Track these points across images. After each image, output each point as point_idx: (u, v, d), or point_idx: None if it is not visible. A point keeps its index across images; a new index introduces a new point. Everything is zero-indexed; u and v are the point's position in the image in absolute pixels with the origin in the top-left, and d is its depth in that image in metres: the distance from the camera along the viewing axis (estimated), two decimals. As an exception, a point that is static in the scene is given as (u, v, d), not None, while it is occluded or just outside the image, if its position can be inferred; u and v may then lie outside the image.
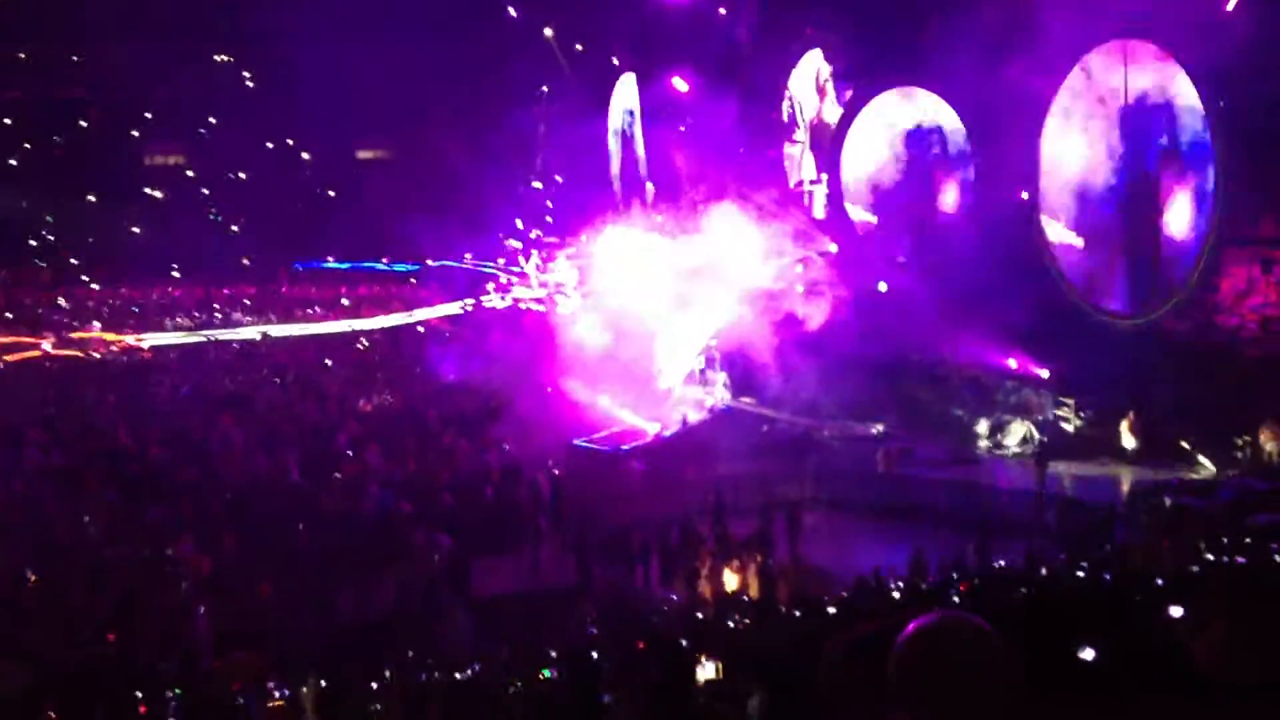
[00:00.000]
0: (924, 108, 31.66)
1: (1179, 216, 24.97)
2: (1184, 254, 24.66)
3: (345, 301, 47.33)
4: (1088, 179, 26.75)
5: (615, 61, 46.83)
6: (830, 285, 30.98)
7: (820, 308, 29.94)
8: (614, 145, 48.51)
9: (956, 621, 3.11)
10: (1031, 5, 25.04)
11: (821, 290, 30.15)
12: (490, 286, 45.98)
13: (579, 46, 48.51)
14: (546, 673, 11.85)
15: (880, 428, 26.09)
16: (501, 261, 48.30)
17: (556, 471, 24.00)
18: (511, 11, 48.87)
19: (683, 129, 39.37)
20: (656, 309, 30.87)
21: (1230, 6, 23.21)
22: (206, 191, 55.73)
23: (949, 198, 31.19)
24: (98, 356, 38.50)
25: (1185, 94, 24.28)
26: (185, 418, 27.40)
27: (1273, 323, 24.03)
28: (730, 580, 19.02)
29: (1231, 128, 23.30)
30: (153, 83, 50.77)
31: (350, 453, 24.43)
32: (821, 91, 35.72)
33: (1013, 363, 26.82)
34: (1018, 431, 25.37)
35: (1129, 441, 23.68)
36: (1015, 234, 27.87)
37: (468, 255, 48.82)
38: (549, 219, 48.51)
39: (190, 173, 56.55)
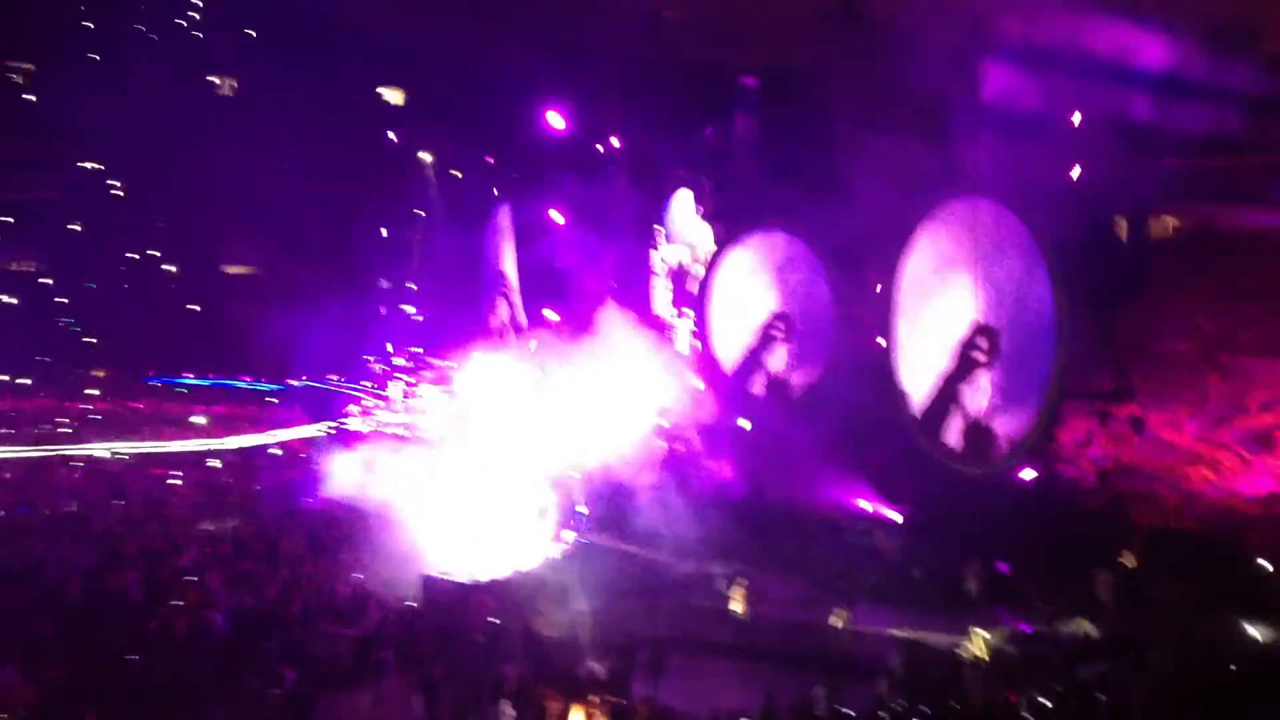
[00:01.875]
0: (788, 252, 32.64)
1: (1024, 369, 26.02)
2: (1028, 406, 25.64)
3: (200, 420, 46.18)
4: (939, 328, 27.77)
5: (495, 191, 47.45)
6: (694, 422, 31.46)
7: (683, 444, 30.29)
8: (489, 272, 48.86)
9: None
10: (888, 159, 26.25)
11: (685, 427, 30.55)
12: (354, 409, 45.55)
13: (456, 173, 49.10)
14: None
15: (737, 568, 26.23)
16: (367, 385, 47.95)
17: (409, 603, 23.62)
18: (391, 135, 49.41)
19: (557, 263, 39.94)
20: (521, 439, 30.87)
21: (1075, 175, 24.71)
22: (63, 301, 54.34)
23: (811, 341, 32.02)
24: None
25: (1027, 250, 25.51)
26: (21, 537, 26.38)
27: (1109, 474, 25.11)
28: (581, 719, 18.81)
29: (1069, 284, 24.55)
30: (8, 185, 49.70)
31: (195, 578, 23.70)
32: (688, 231, 36.67)
33: (867, 505, 27.39)
34: (868, 576, 25.77)
35: (973, 587, 24.22)
36: (872, 380, 28.73)
37: (332, 376, 48.38)
38: (418, 345, 48.42)
39: (45, 280, 55.08)
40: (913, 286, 28.35)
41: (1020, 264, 25.70)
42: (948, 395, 27.26)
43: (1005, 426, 25.87)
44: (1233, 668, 18.01)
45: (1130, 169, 24.34)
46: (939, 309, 27.72)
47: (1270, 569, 21.80)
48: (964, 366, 27.08)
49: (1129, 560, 22.99)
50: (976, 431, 26.47)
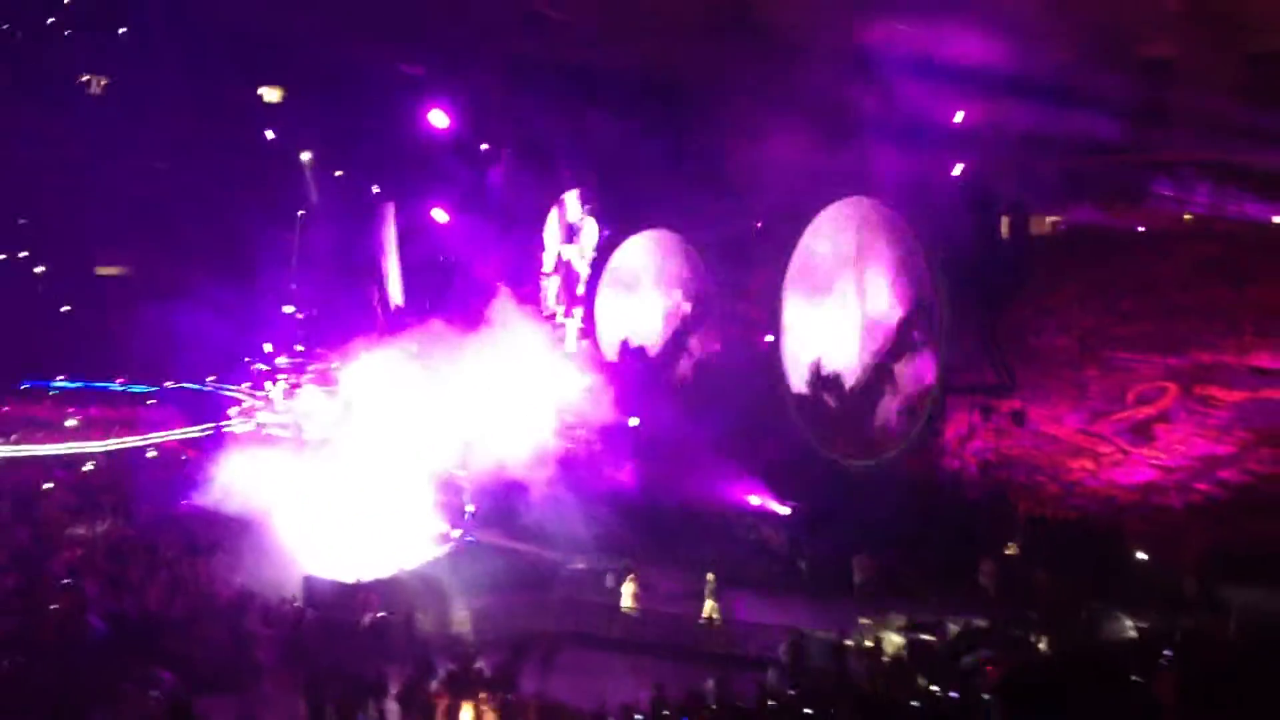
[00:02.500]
0: (675, 250, 32.77)
1: (909, 364, 26.44)
2: (912, 399, 26.06)
3: (73, 423, 44.64)
4: (822, 326, 28.11)
5: (375, 189, 46.87)
6: (583, 419, 31.32)
7: (571, 441, 30.14)
8: (373, 271, 48.25)
9: None
10: (775, 159, 26.47)
11: (573, 424, 30.42)
12: (233, 411, 44.49)
13: (338, 172, 48.37)
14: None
15: (626, 563, 26.16)
16: (246, 386, 46.90)
17: (293, 603, 23.07)
18: (269, 134, 48.47)
19: (441, 258, 39.58)
20: (407, 436, 30.43)
21: (956, 172, 25.14)
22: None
23: (698, 339, 32.17)
24: None
25: (911, 249, 25.96)
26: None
27: (991, 466, 25.61)
28: (470, 716, 18.52)
29: (952, 281, 25.03)
30: None
31: (67, 581, 22.81)
32: (576, 230, 36.61)
33: (756, 499, 27.57)
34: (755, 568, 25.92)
35: (860, 578, 24.50)
36: (760, 377, 28.96)
37: (210, 378, 47.25)
38: (299, 345, 47.53)
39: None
40: (799, 284, 28.64)
41: (904, 262, 26.13)
42: (834, 390, 27.59)
43: (891, 421, 26.26)
44: (1110, 652, 18.41)
45: (1012, 169, 24.90)
46: (825, 306, 28.07)
47: (1146, 556, 22.43)
48: (849, 362, 27.44)
49: (1011, 549, 23.48)
50: (863, 427, 26.84)
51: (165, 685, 18.59)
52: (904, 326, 26.59)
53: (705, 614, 23.41)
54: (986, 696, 14.47)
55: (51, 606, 21.42)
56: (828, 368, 28.06)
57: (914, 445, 25.78)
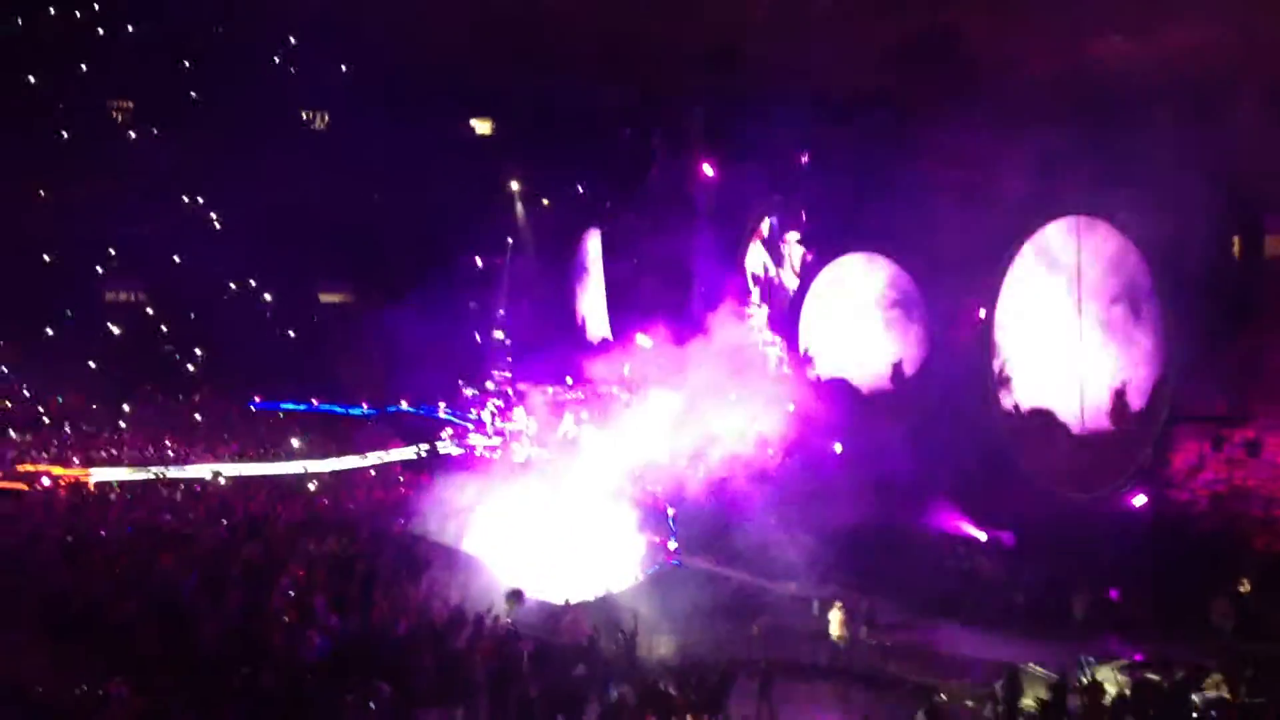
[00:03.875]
0: (882, 273, 32.30)
1: (1133, 392, 25.34)
2: (1138, 429, 24.95)
3: (296, 443, 46.75)
4: (1041, 351, 27.21)
5: (584, 218, 47.80)
6: (787, 445, 31.13)
7: (777, 467, 29.97)
8: (579, 298, 49.15)
9: None
10: (986, 177, 25.84)
11: (779, 449, 30.25)
12: (447, 433, 45.86)
13: (545, 200, 49.49)
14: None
15: (835, 590, 25.77)
16: (461, 409, 48.33)
17: (504, 623, 23.51)
18: (481, 165, 49.96)
19: (648, 287, 40.03)
20: (616, 461, 30.82)
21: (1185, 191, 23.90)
22: (164, 328, 55.67)
23: (907, 363, 31.58)
24: (42, 490, 37.75)
25: (1137, 272, 24.90)
26: (127, 556, 26.72)
27: (1223, 499, 24.27)
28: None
29: (1182, 306, 23.88)
30: (115, 219, 51.00)
31: (292, 594, 23.82)
32: (780, 255, 36.46)
33: (971, 529, 26.88)
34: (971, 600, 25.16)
35: (1079, 612, 23.54)
36: (970, 402, 28.23)
37: (428, 401, 48.85)
38: (509, 369, 48.73)
39: (150, 310, 56.49)
40: (1015, 308, 27.84)
41: (1130, 285, 25.10)
42: (1056, 420, 26.66)
43: (1115, 451, 25.22)
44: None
45: (1244, 186, 23.59)
46: (1043, 331, 27.20)
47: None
48: (1070, 390, 26.49)
49: (1244, 586, 22.18)
50: (1085, 456, 25.84)
51: (383, 698, 19.19)
52: (1130, 352, 25.49)
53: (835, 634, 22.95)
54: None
55: (280, 620, 22.40)
56: (1047, 395, 27.13)
57: (1140, 476, 24.64)
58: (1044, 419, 27.06)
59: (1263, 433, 23.97)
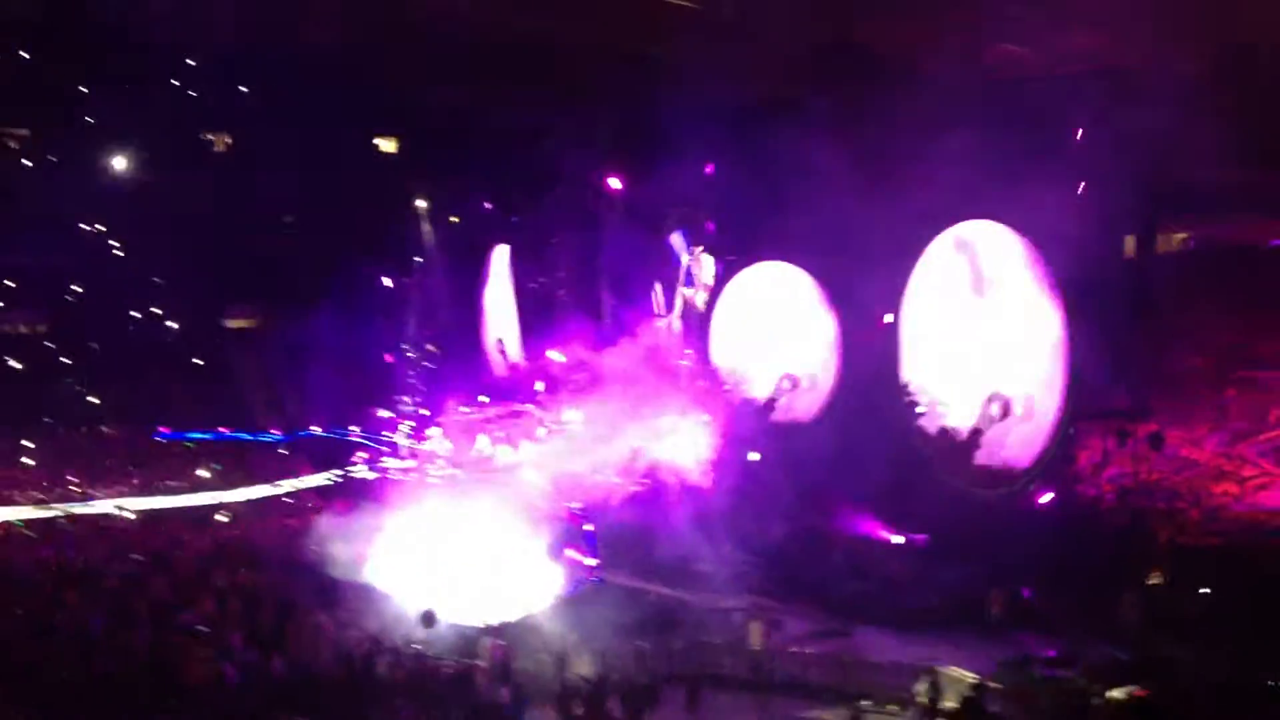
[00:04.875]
0: (791, 281, 32.50)
1: (1037, 390, 25.72)
2: (1043, 427, 25.33)
3: (205, 474, 45.82)
4: (946, 353, 27.56)
5: (491, 235, 47.54)
6: (703, 456, 31.15)
7: (694, 479, 29.99)
8: (490, 314, 48.91)
9: None
10: (891, 183, 26.12)
11: (693, 459, 30.25)
12: (359, 457, 45.27)
13: (452, 218, 49.15)
14: None
15: (753, 601, 25.81)
16: (373, 433, 47.73)
17: (420, 650, 23.22)
18: (386, 184, 49.51)
19: (558, 303, 39.92)
20: (529, 479, 30.63)
21: (1078, 191, 24.39)
22: (68, 362, 54.27)
23: (818, 370, 31.79)
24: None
25: (1037, 272, 25.31)
26: (31, 595, 26.01)
27: (1129, 493, 24.76)
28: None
29: (1081, 305, 24.31)
30: (9, 249, 49.66)
31: (203, 629, 23.30)
32: (689, 266, 36.55)
33: (883, 533, 27.09)
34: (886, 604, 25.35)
35: (994, 611, 23.82)
36: (881, 406, 28.50)
37: (339, 426, 48.19)
38: (422, 389, 48.30)
39: (50, 342, 55.07)
40: (918, 311, 28.18)
41: (1031, 286, 25.51)
42: (961, 419, 26.99)
43: (1021, 449, 25.57)
44: (1269, 683, 17.60)
45: (1138, 185, 24.12)
46: (945, 332, 27.54)
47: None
48: (976, 390, 26.83)
49: (1153, 578, 22.61)
50: (992, 455, 26.18)
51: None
52: (1030, 351, 25.88)
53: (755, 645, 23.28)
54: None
55: (192, 656, 21.91)
56: (952, 395, 27.47)
57: (1046, 473, 25.01)
58: (951, 420, 27.39)
59: (1165, 426, 24.52)
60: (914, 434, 28.03)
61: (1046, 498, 24.96)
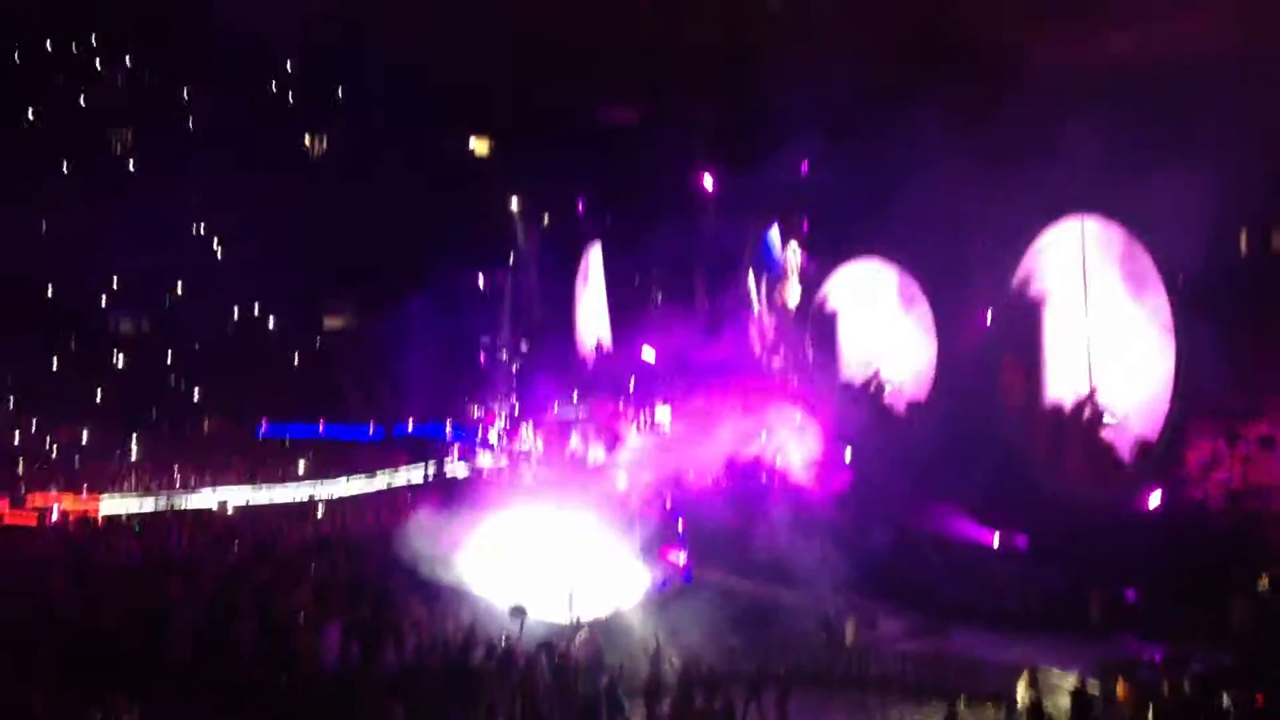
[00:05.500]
0: (889, 279, 32.16)
1: (1145, 391, 25.12)
2: (1151, 428, 24.74)
3: (303, 468, 46.64)
4: (1051, 352, 27.05)
5: (585, 234, 47.72)
6: (797, 452, 30.96)
7: (786, 475, 29.79)
8: (583, 314, 49.09)
9: None
10: (993, 178, 25.69)
11: (788, 457, 30.07)
12: (453, 453, 45.76)
13: (547, 217, 49.43)
14: None
15: (849, 598, 25.52)
16: (469, 430, 48.22)
17: (515, 642, 23.35)
18: (479, 185, 49.94)
19: (653, 298, 39.96)
20: (623, 477, 30.68)
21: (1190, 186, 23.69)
22: (170, 357, 55.68)
23: (916, 369, 31.42)
24: (49, 523, 37.72)
25: (1146, 269, 24.70)
26: (136, 584, 26.63)
27: (1239, 496, 24.04)
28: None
29: (1192, 303, 23.69)
30: (116, 251, 51.05)
31: (307, 620, 23.70)
32: (783, 264, 36.33)
33: (984, 533, 26.68)
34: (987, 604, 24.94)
35: (1096, 613, 23.32)
36: (981, 405, 28.07)
37: (448, 423, 48.71)
38: (514, 389, 48.64)
39: (153, 341, 56.54)
40: (1021, 310, 27.68)
41: (1140, 283, 24.92)
42: (1066, 418, 26.46)
43: (1127, 449, 25.00)
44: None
45: (1258, 179, 23.35)
46: (1051, 331, 27.04)
47: None
48: (1081, 388, 26.30)
49: (1262, 583, 21.93)
50: (1097, 455, 25.62)
51: (398, 717, 19.06)
52: (1141, 351, 25.27)
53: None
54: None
55: (293, 644, 22.30)
56: (1058, 396, 26.95)
57: (1152, 474, 24.41)
58: (1056, 420, 26.87)
59: (1276, 428, 23.76)
60: (1016, 434, 27.54)
61: (1153, 500, 24.34)
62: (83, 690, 18.89)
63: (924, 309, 31.20)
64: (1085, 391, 26.39)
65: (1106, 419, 25.69)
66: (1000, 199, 26.44)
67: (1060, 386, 26.88)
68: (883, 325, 32.38)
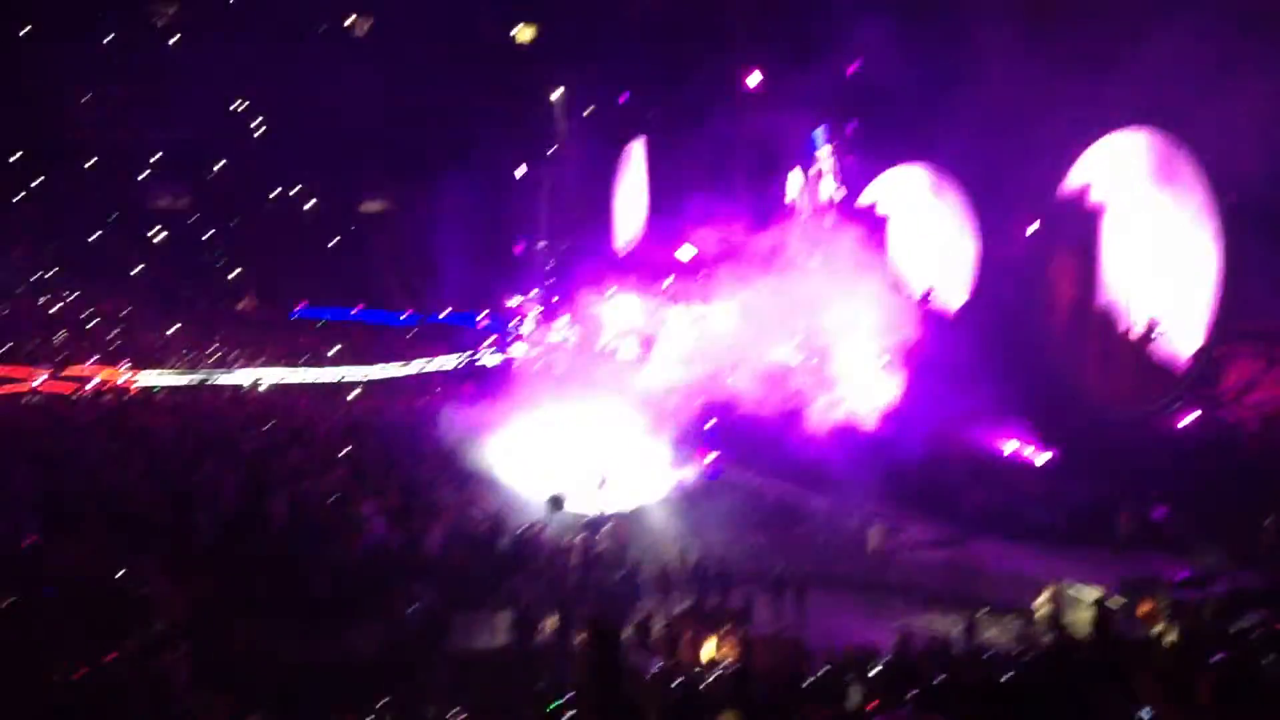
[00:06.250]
0: (932, 187, 31.67)
1: (1185, 308, 24.75)
2: (1188, 346, 24.42)
3: (338, 351, 47.03)
4: (1091, 266, 26.67)
5: (627, 128, 47.16)
6: (830, 353, 30.81)
7: (818, 377, 29.67)
8: (623, 207, 48.77)
9: None
10: (1040, 87, 25.08)
11: (821, 359, 29.93)
12: (487, 342, 45.93)
13: (589, 109, 48.85)
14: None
15: (873, 504, 25.56)
16: (501, 318, 48.31)
17: (541, 530, 23.66)
18: (521, 74, 49.33)
19: (690, 196, 39.51)
20: (656, 372, 30.68)
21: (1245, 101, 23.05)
22: (209, 234, 55.93)
23: (955, 278, 31.07)
24: (88, 393, 38.29)
25: (1193, 184, 24.17)
26: (170, 459, 27.06)
27: (1274, 420, 23.77)
28: (709, 649, 18.55)
29: (1238, 221, 23.20)
30: (157, 126, 50.94)
31: (339, 495, 24.12)
32: (827, 165, 35.80)
33: (1014, 445, 26.59)
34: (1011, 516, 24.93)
35: (1123, 530, 23.27)
36: (1019, 318, 27.80)
37: (483, 312, 48.84)
38: (553, 278, 48.58)
39: (192, 217, 56.72)
40: (1063, 222, 27.22)
41: (1185, 198, 24.40)
42: (1103, 333, 26.15)
43: (1164, 367, 24.71)
44: None
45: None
46: (1092, 246, 26.61)
47: None
48: (1120, 302, 25.94)
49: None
50: (1133, 371, 25.36)
51: (424, 601, 19.42)
52: (1183, 267, 24.82)
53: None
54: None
55: (326, 522, 22.72)
56: (1094, 310, 26.60)
57: (1187, 394, 24.13)
58: (1092, 335, 26.56)
59: (1316, 354, 23.43)
60: (1053, 346, 27.29)
61: (1187, 419, 24.12)
62: (123, 563, 19.30)
63: (969, 214, 30.71)
64: (1129, 305, 25.99)
65: (1154, 334, 25.28)
66: (1057, 105, 25.81)
67: (1104, 299, 26.50)
68: (926, 229, 31.94)
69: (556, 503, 24.69)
